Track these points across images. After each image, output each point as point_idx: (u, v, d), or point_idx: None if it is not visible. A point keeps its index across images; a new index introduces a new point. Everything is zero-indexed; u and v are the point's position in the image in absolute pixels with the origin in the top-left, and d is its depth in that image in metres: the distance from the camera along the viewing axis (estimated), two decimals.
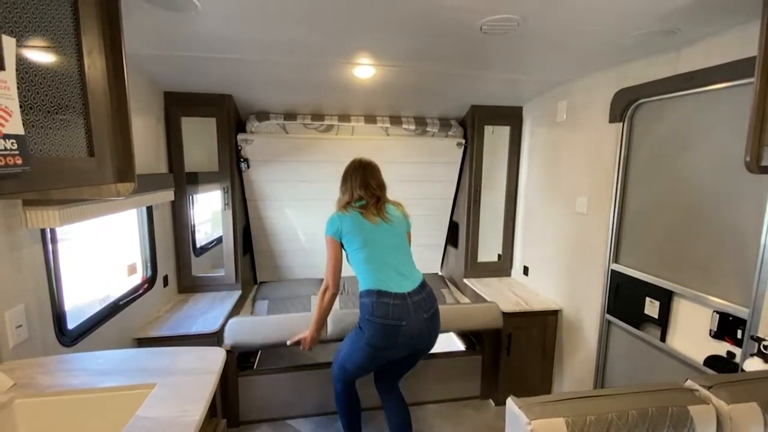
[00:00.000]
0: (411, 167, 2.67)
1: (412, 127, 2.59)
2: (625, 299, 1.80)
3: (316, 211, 2.76)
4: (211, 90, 2.20)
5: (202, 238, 2.81)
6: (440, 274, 3.24)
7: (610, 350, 1.93)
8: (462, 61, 1.82)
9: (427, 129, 2.60)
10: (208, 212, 2.90)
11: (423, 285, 1.59)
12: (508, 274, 2.83)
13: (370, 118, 2.55)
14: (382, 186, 1.74)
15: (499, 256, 2.86)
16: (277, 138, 2.47)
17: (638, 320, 1.73)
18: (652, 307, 1.66)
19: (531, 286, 2.58)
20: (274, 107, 2.45)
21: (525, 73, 2.02)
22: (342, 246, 1.66)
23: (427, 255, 3.11)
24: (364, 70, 1.95)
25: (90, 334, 1.50)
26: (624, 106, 1.76)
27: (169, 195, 2.09)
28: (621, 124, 1.78)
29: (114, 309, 1.69)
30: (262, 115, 2.44)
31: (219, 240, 2.95)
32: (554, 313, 2.27)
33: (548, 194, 2.36)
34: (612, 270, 1.87)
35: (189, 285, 2.38)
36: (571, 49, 1.61)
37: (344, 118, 2.52)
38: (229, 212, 2.38)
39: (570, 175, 2.15)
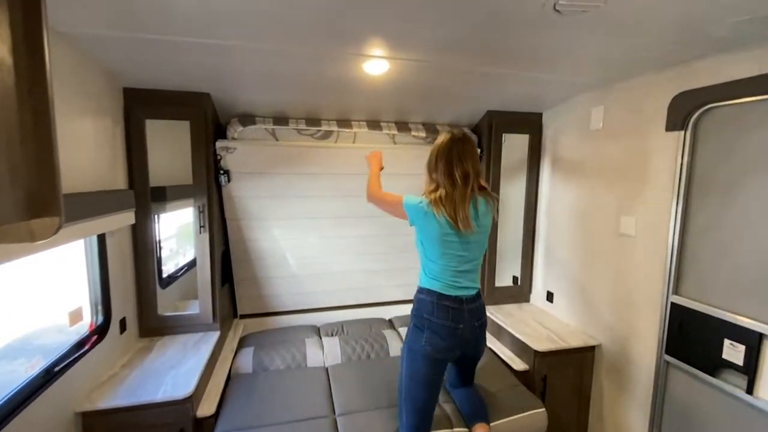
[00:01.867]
0: (420, 180, 2.33)
1: (422, 134, 2.26)
2: (693, 339, 1.52)
3: (309, 232, 2.38)
4: (185, 87, 1.78)
5: (167, 263, 2.35)
6: None
7: (669, 396, 1.65)
8: (499, 56, 1.51)
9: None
10: (174, 229, 2.46)
11: (478, 295, 1.52)
12: (527, 300, 2.53)
13: (374, 124, 2.21)
14: (468, 175, 1.41)
15: (514, 278, 2.57)
16: (265, 146, 2.08)
17: (713, 365, 1.46)
18: (733, 352, 1.38)
19: (557, 315, 2.28)
20: (261, 109, 2.05)
21: (565, 72, 1.73)
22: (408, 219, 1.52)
23: None
24: (377, 65, 1.61)
25: (9, 422, 1.05)
26: (687, 111, 1.50)
27: (128, 218, 1.66)
28: (682, 132, 1.53)
29: (47, 378, 1.24)
30: (247, 119, 2.04)
31: (189, 266, 2.50)
32: (591, 349, 1.98)
33: (580, 212, 2.08)
34: (672, 303, 1.60)
35: (154, 327, 1.92)
36: (643, 39, 1.32)
37: (344, 123, 2.17)
38: (206, 236, 1.95)
39: (610, 192, 1.88)
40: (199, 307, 1.98)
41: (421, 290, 1.51)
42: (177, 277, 2.37)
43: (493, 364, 2.03)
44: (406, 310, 2.78)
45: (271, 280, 2.45)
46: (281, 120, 2.08)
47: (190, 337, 1.91)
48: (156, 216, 1.92)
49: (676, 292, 1.59)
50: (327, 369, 2.00)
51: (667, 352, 1.63)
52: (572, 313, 2.17)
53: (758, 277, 1.32)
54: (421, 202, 1.44)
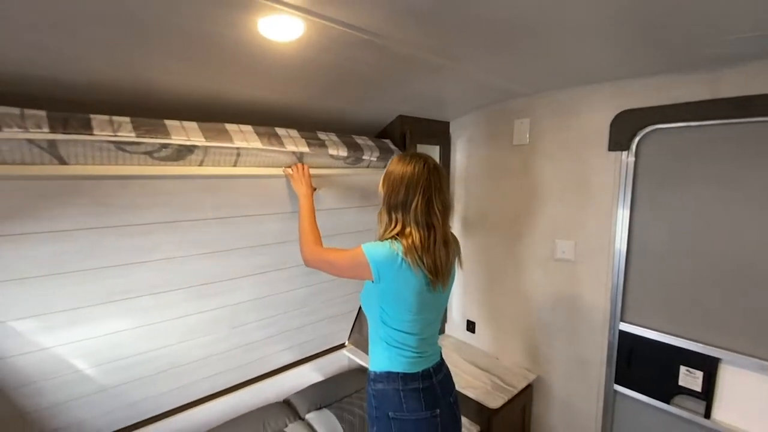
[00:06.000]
0: (332, 217, 1.62)
1: (343, 153, 1.46)
2: (647, 368, 1.47)
3: (145, 315, 1.34)
4: None
5: None
6: (346, 344, 2.34)
7: (619, 428, 1.59)
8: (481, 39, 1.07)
9: (363, 156, 1.57)
10: None
11: (442, 359, 1.24)
12: (443, 331, 2.24)
13: (269, 134, 1.28)
14: (447, 211, 1.11)
15: None
16: (23, 183, 0.94)
17: (668, 393, 1.43)
18: (690, 378, 1.37)
19: (482, 347, 2.06)
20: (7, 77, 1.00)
21: (495, 71, 1.44)
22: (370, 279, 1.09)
23: (332, 328, 2.15)
24: (285, 24, 0.93)
25: None
26: (632, 131, 1.42)
27: None
28: (626, 153, 1.45)
29: None
30: None
31: None
32: (528, 386, 1.81)
33: (503, 235, 1.89)
34: (620, 331, 1.52)
35: None
36: (596, 43, 1.11)
37: (216, 132, 1.17)
38: None
39: (541, 214, 1.72)
40: None
41: (377, 377, 1.14)
42: None
43: None
44: (304, 376, 2.10)
45: (66, 406, 1.34)
46: (69, 120, 0.93)
47: None
48: None
49: (623, 319, 1.52)
50: None
51: (616, 382, 1.56)
52: (501, 345, 1.97)
53: (713, 303, 1.32)
54: (394, 250, 1.04)
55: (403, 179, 1.07)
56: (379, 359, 1.14)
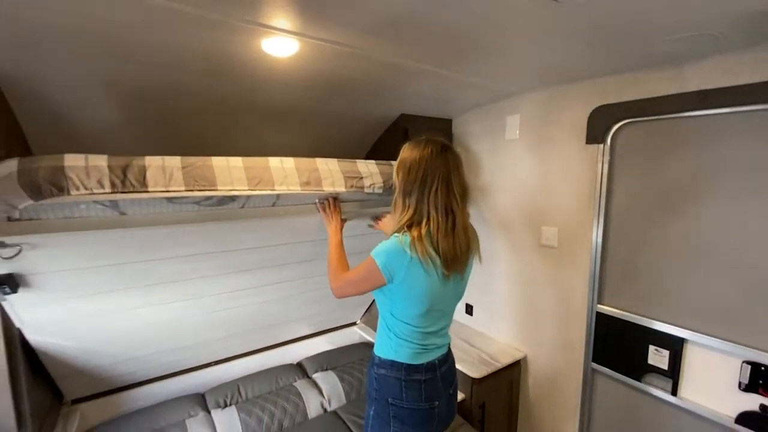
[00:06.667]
0: (355, 241, 1.64)
1: (379, 188, 1.45)
2: (620, 347, 1.56)
3: (183, 312, 1.63)
4: None
5: None
6: (358, 323, 2.58)
7: (598, 403, 1.68)
8: (443, 50, 1.26)
9: None
10: None
11: (449, 350, 1.24)
12: None
13: (308, 172, 1.30)
14: (466, 193, 1.09)
15: None
16: (95, 235, 1.10)
17: (640, 371, 1.51)
18: (658, 357, 1.45)
19: (479, 329, 2.21)
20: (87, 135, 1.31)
21: (488, 75, 1.60)
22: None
23: (346, 312, 2.40)
24: (282, 44, 1.18)
25: None
26: (607, 125, 1.52)
27: None
28: (602, 146, 1.55)
29: None
30: (51, 175, 0.91)
31: None
32: (517, 363, 1.94)
33: (498, 223, 2.02)
34: (597, 312, 1.62)
35: None
36: (578, 45, 1.24)
37: (258, 172, 1.21)
38: None
39: (529, 203, 1.85)
40: None
41: (382, 363, 1.15)
42: None
43: None
44: (317, 345, 2.37)
45: (116, 365, 1.66)
46: (127, 173, 1.00)
47: None
48: None
49: (600, 301, 1.62)
50: None
51: (594, 361, 1.65)
52: (495, 327, 2.11)
53: (679, 286, 1.39)
54: (400, 244, 1.01)
55: (420, 163, 1.02)
56: (385, 347, 1.14)
